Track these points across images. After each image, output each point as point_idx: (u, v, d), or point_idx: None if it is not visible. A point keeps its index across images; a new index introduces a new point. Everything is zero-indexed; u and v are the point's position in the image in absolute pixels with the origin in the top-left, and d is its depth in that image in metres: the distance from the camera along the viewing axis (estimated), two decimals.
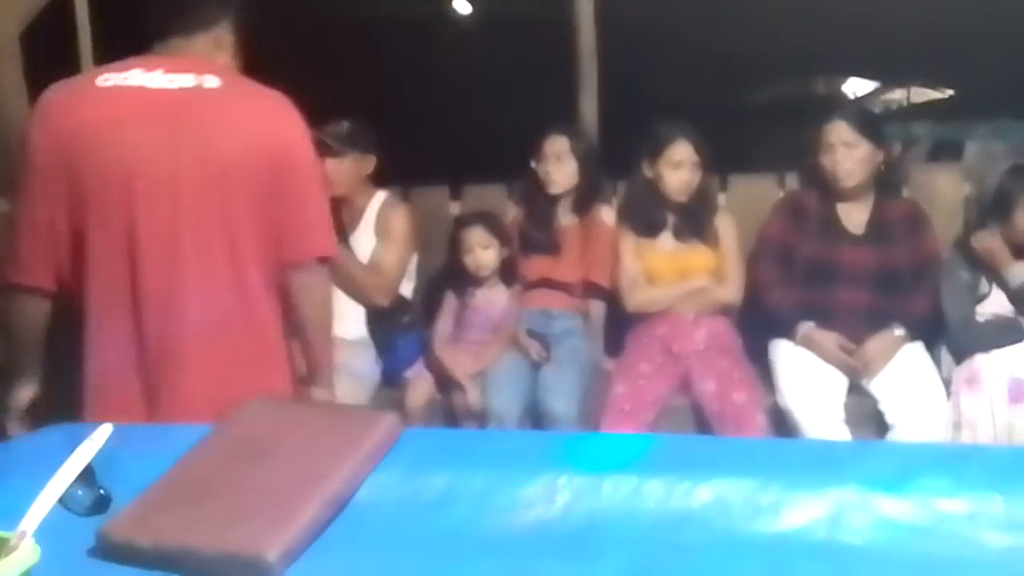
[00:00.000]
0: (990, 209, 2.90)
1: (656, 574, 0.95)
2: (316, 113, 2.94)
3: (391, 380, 2.96)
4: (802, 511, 1.01)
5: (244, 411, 1.22)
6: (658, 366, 2.84)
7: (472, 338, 2.94)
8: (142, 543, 1.00)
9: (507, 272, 2.95)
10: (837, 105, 8.47)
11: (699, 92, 8.35)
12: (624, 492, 1.05)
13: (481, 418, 2.76)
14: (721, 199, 3.21)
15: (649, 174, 2.99)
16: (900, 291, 2.83)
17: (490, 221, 2.95)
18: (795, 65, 10.88)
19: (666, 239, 3.01)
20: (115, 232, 1.68)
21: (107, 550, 1.01)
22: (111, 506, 1.08)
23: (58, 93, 1.77)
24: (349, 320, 2.95)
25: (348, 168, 2.91)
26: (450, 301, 2.98)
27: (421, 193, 3.41)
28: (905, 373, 2.75)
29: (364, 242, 2.97)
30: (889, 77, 12.86)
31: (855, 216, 2.92)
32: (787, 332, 2.85)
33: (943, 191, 3.22)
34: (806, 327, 2.82)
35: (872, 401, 2.76)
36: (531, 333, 2.90)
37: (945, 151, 7.15)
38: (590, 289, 3.04)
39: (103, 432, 1.00)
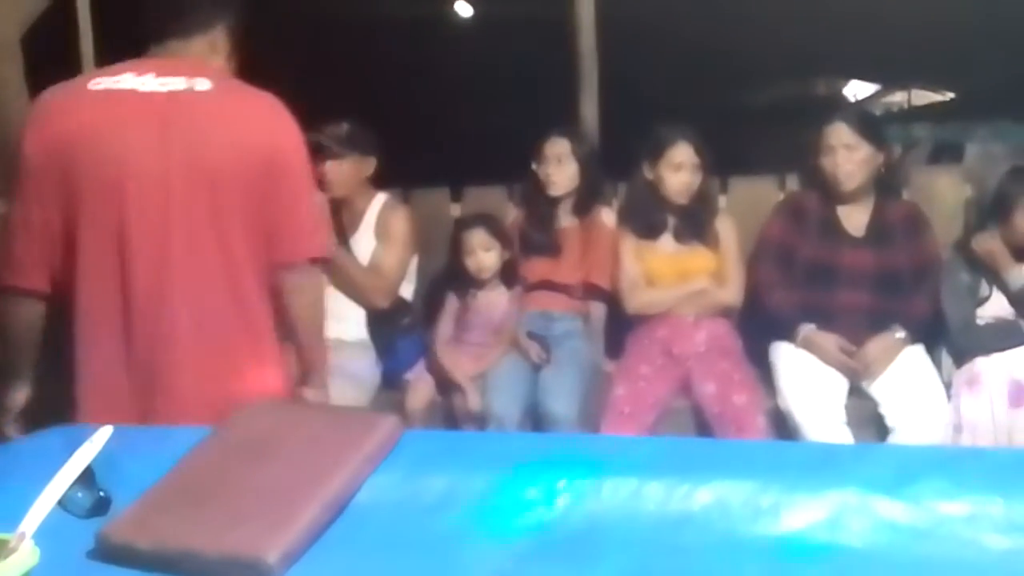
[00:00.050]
0: (990, 211, 2.90)
1: None
2: (317, 114, 2.95)
3: (391, 382, 2.96)
4: (802, 513, 1.01)
5: (244, 413, 1.22)
6: (658, 368, 2.84)
7: (473, 340, 2.94)
8: (142, 545, 1.00)
9: (508, 274, 2.95)
10: (837, 107, 8.45)
11: (699, 94, 8.35)
12: (624, 494, 1.05)
13: (481, 420, 2.76)
14: (721, 201, 3.21)
15: (649, 176, 3.00)
16: (900, 293, 2.84)
17: (491, 223, 2.95)
18: (795, 67, 10.89)
19: (666, 241, 3.02)
20: (106, 234, 1.69)
21: (107, 552, 1.01)
22: (111, 508, 1.08)
23: (51, 97, 1.79)
24: (349, 322, 2.95)
25: (348, 170, 2.92)
26: (451, 303, 2.98)
27: (421, 195, 3.41)
28: (905, 376, 2.75)
29: (364, 244, 2.97)
30: (889, 79, 12.87)
31: (855, 218, 2.92)
32: (787, 334, 2.85)
33: (943, 193, 3.22)
34: (807, 329, 2.81)
35: (872, 403, 2.75)
36: (531, 335, 2.90)
37: (945, 153, 7.15)
38: (590, 291, 3.04)
39: (103, 434, 1.00)
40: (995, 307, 2.81)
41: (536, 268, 3.03)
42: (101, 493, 1.08)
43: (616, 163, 3.19)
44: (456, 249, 2.95)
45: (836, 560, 0.96)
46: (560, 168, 3.03)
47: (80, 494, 1.05)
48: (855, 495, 1.01)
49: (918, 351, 2.82)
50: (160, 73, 1.72)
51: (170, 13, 1.79)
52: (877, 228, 2.90)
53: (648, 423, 2.72)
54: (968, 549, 0.96)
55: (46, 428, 1.35)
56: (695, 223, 2.99)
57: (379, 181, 3.05)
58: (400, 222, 2.98)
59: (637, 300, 2.97)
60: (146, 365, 1.70)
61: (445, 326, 2.96)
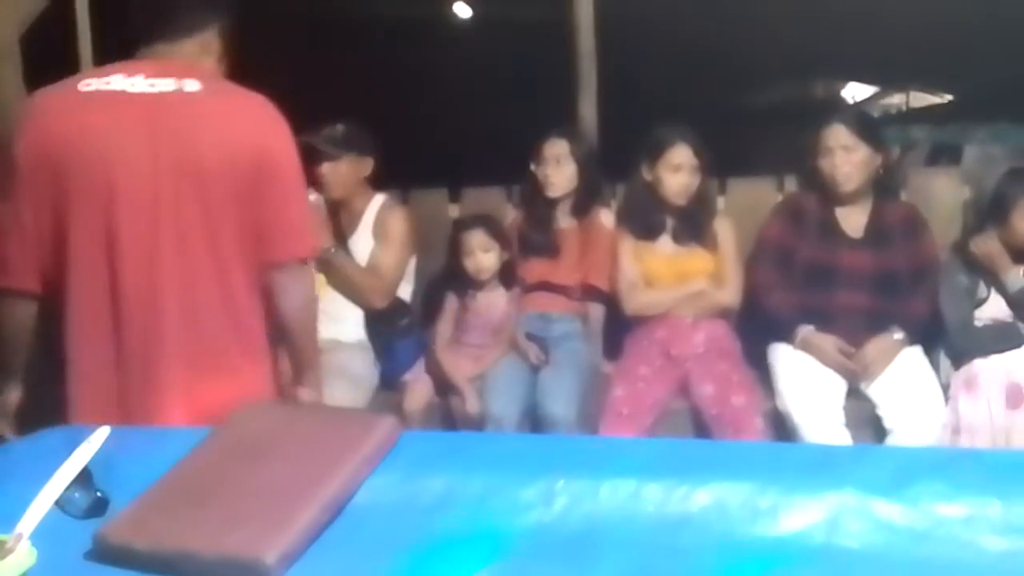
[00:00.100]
0: (988, 212, 2.90)
1: None
2: (316, 115, 2.96)
3: (389, 383, 2.96)
4: (800, 515, 1.01)
5: (242, 414, 1.22)
6: (657, 369, 2.84)
7: (472, 341, 2.94)
8: (139, 546, 1.00)
9: (506, 275, 2.95)
10: (836, 109, 8.47)
11: (698, 95, 8.35)
12: (622, 495, 1.05)
13: (479, 422, 2.76)
14: (720, 202, 3.21)
15: (648, 177, 3.00)
16: (899, 294, 2.84)
17: (490, 224, 2.95)
18: (794, 69, 10.90)
19: (665, 242, 3.02)
20: (96, 235, 1.70)
21: (104, 553, 1.01)
22: (108, 509, 1.08)
23: (41, 98, 1.80)
24: (347, 323, 2.95)
25: (344, 171, 2.92)
26: (451, 304, 2.98)
27: (420, 196, 3.41)
28: (903, 377, 2.75)
29: (362, 244, 2.97)
30: (888, 81, 12.88)
31: (854, 220, 2.92)
32: (786, 335, 2.85)
33: (942, 195, 3.23)
34: (805, 331, 2.82)
35: (871, 405, 2.76)
36: (530, 336, 2.90)
37: (944, 155, 7.16)
38: (589, 292, 3.04)
39: (101, 435, 1.00)
40: (993, 309, 2.81)
41: (535, 269, 3.03)
42: (98, 494, 1.08)
43: (615, 164, 3.19)
44: (455, 250, 2.95)
45: (834, 561, 0.96)
46: (559, 169, 3.03)
47: (77, 495, 1.05)
48: (853, 497, 1.01)
49: (916, 352, 2.82)
50: (149, 74, 1.73)
51: (161, 14, 1.80)
52: (875, 229, 2.91)
53: (646, 424, 2.72)
54: (966, 550, 0.96)
55: (38, 428, 1.35)
56: (694, 224, 2.99)
57: (378, 182, 3.05)
58: (398, 223, 2.99)
59: (636, 301, 2.97)
60: (136, 365, 1.71)
61: (445, 327, 2.96)
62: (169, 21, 1.79)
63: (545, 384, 2.78)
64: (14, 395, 1.85)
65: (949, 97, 11.58)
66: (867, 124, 3.05)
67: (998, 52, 7.70)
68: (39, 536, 0.87)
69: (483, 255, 2.90)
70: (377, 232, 2.97)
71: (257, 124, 1.77)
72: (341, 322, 2.93)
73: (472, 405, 2.77)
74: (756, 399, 2.76)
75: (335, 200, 2.97)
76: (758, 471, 1.08)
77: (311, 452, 1.11)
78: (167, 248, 1.70)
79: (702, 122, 3.14)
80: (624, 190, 3.16)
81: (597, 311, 3.06)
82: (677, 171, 2.95)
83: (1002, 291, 2.80)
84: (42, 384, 1.82)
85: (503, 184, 3.36)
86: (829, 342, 2.79)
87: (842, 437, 2.65)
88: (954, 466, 1.07)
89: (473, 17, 9.43)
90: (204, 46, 1.82)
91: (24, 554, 0.86)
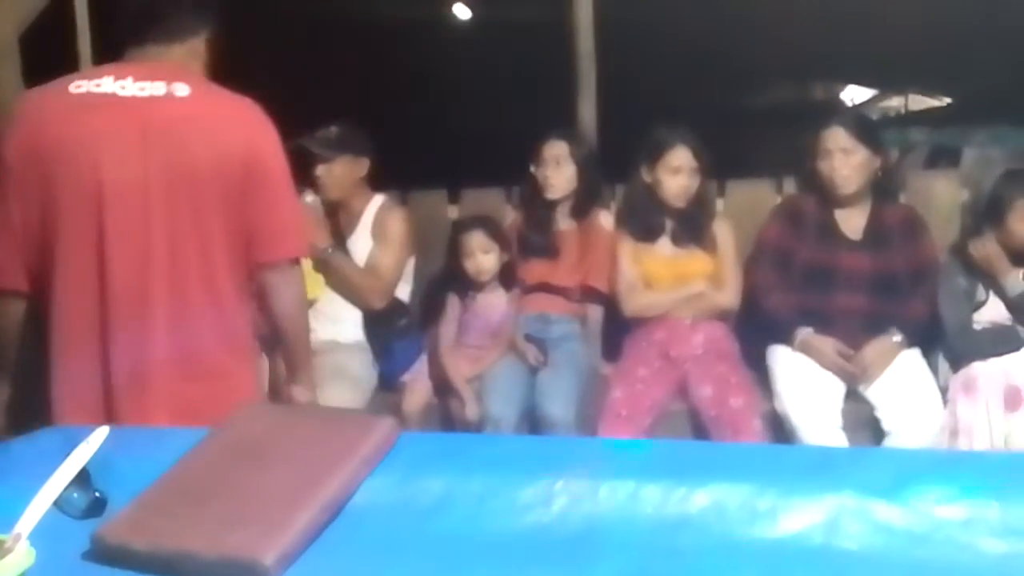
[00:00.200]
0: (984, 214, 2.90)
1: None
2: (317, 116, 2.96)
3: (388, 384, 2.96)
4: (799, 517, 1.01)
5: (241, 415, 1.22)
6: (656, 371, 2.84)
7: (470, 342, 2.94)
8: (137, 547, 1.00)
9: (506, 276, 2.95)
10: (835, 111, 8.49)
11: (698, 97, 8.36)
12: (621, 497, 1.05)
13: (478, 424, 2.76)
14: (719, 204, 3.22)
15: (648, 179, 3.00)
16: (897, 296, 2.84)
17: (490, 225, 2.94)
18: (794, 71, 10.92)
19: (664, 244, 3.02)
20: (86, 238, 1.71)
21: (102, 553, 1.01)
22: (106, 509, 1.08)
23: (32, 100, 1.83)
24: (346, 324, 2.95)
25: (340, 172, 2.92)
26: (453, 305, 2.97)
27: (419, 197, 3.41)
28: (902, 380, 2.75)
29: (361, 245, 2.97)
30: (887, 84, 12.90)
31: (853, 221, 2.92)
32: (785, 337, 2.85)
33: (940, 197, 3.23)
34: (804, 333, 2.82)
35: (869, 407, 2.76)
36: (529, 337, 2.90)
37: (942, 157, 7.17)
38: (588, 293, 3.04)
39: (99, 435, 1.00)
40: (992, 312, 2.82)
41: (534, 270, 3.03)
42: (97, 494, 1.08)
43: (614, 165, 3.19)
44: (455, 251, 2.95)
45: (833, 563, 0.96)
46: (558, 170, 3.03)
47: (76, 495, 1.05)
48: (852, 499, 1.01)
49: (915, 355, 2.82)
50: (139, 77, 1.74)
51: (155, 18, 1.82)
52: (874, 232, 2.91)
53: (645, 426, 2.72)
54: (964, 553, 0.96)
55: (26, 425, 1.35)
56: (693, 226, 3.00)
57: (377, 182, 3.05)
58: (397, 223, 2.99)
59: (634, 303, 2.97)
60: (123, 366, 1.72)
61: (449, 328, 2.95)
62: (162, 25, 1.81)
63: (544, 385, 2.78)
64: (3, 392, 1.86)
65: (948, 100, 11.59)
66: (866, 126, 3.06)
67: (997, 55, 7.71)
68: (37, 536, 0.87)
69: (483, 257, 2.90)
70: (376, 233, 2.97)
71: (245, 126, 1.80)
72: (340, 323, 2.94)
73: (471, 411, 2.77)
74: (754, 401, 2.76)
75: (333, 201, 2.97)
76: (757, 473, 1.07)
77: (309, 453, 1.11)
78: (157, 251, 1.72)
79: (701, 124, 3.14)
80: (623, 192, 3.16)
81: (596, 312, 3.06)
82: (676, 173, 2.95)
83: (1001, 294, 2.80)
84: (31, 382, 1.83)
85: (502, 185, 3.36)
86: (828, 344, 2.80)
87: (840, 439, 2.65)
88: (953, 468, 1.07)
89: (473, 18, 9.44)
90: (193, 52, 1.84)
91: (22, 554, 0.86)
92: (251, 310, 1.87)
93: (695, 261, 2.98)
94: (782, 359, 2.84)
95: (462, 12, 9.46)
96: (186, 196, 1.73)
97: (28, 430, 1.29)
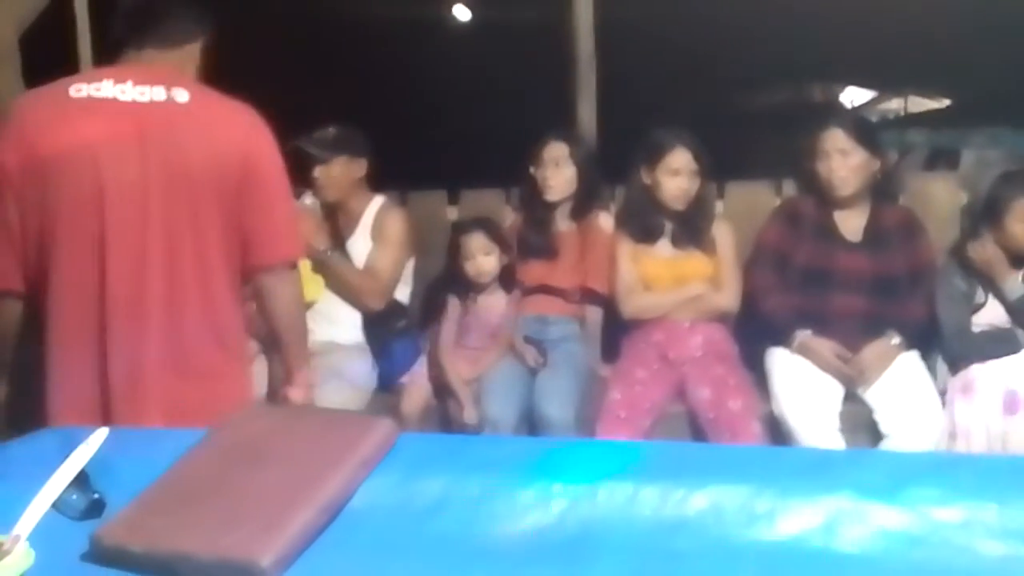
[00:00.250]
0: (981, 216, 2.90)
1: None
2: (317, 117, 2.96)
3: (387, 385, 2.96)
4: (797, 519, 1.01)
5: (239, 416, 1.22)
6: (654, 372, 2.84)
7: (470, 344, 2.94)
8: (136, 548, 1.00)
9: (506, 278, 2.95)
10: (833, 113, 8.50)
11: (697, 99, 8.37)
12: (619, 499, 1.05)
13: (477, 425, 2.76)
14: (718, 206, 3.22)
15: (647, 181, 3.00)
16: (896, 298, 2.84)
17: (490, 227, 2.94)
18: (792, 73, 10.93)
19: (663, 246, 3.02)
20: (84, 241, 1.72)
21: (101, 554, 1.01)
22: (105, 510, 1.08)
23: (30, 102, 1.83)
24: (345, 325, 2.95)
25: (337, 173, 2.92)
26: (454, 306, 2.97)
27: (419, 198, 3.41)
28: (900, 382, 2.75)
29: (360, 246, 2.97)
30: (886, 85, 12.91)
31: (851, 223, 2.92)
32: (783, 339, 2.85)
33: (939, 199, 3.23)
34: (802, 335, 2.82)
35: (867, 410, 2.76)
36: (528, 339, 2.90)
37: (941, 159, 7.18)
38: (587, 295, 3.04)
39: (98, 436, 1.00)
40: (990, 314, 2.82)
41: (533, 272, 3.03)
42: (95, 495, 1.08)
43: (614, 167, 3.19)
44: (455, 253, 2.95)
45: (831, 566, 0.96)
46: (558, 172, 3.03)
47: (75, 496, 1.05)
48: (849, 501, 1.01)
49: (913, 357, 2.82)
50: (138, 81, 1.75)
51: (155, 22, 1.83)
52: (873, 233, 2.91)
53: (644, 427, 2.72)
54: (962, 555, 0.96)
55: (22, 425, 1.36)
56: (692, 228, 3.00)
57: (376, 183, 3.05)
58: (396, 224, 2.99)
59: (633, 304, 2.97)
60: (118, 368, 1.73)
61: (450, 330, 2.94)
62: (162, 30, 1.83)
63: (542, 386, 2.78)
64: (1, 391, 1.87)
65: (947, 101, 11.60)
66: (865, 128, 3.05)
67: (996, 57, 7.72)
68: (36, 537, 0.87)
69: (483, 258, 2.90)
70: (375, 234, 2.97)
71: (242, 132, 1.81)
72: (338, 324, 2.94)
73: (469, 415, 2.77)
74: (753, 403, 2.76)
75: (332, 202, 2.97)
76: (755, 475, 1.08)
77: (308, 454, 1.11)
78: (154, 254, 1.73)
79: (701, 126, 3.15)
80: (623, 193, 3.16)
81: (595, 314, 3.06)
82: (676, 175, 2.95)
83: (1000, 297, 2.80)
84: (27, 382, 1.83)
85: (502, 186, 3.36)
86: (826, 346, 2.80)
87: (838, 442, 2.65)
88: (950, 471, 1.08)
89: (473, 20, 9.45)
90: (189, 56, 1.86)
91: (22, 555, 0.86)
92: (246, 311, 1.88)
93: (694, 263, 2.98)
94: (780, 361, 2.84)
95: (462, 13, 9.46)
96: (183, 199, 1.74)
97: (24, 430, 1.30)
